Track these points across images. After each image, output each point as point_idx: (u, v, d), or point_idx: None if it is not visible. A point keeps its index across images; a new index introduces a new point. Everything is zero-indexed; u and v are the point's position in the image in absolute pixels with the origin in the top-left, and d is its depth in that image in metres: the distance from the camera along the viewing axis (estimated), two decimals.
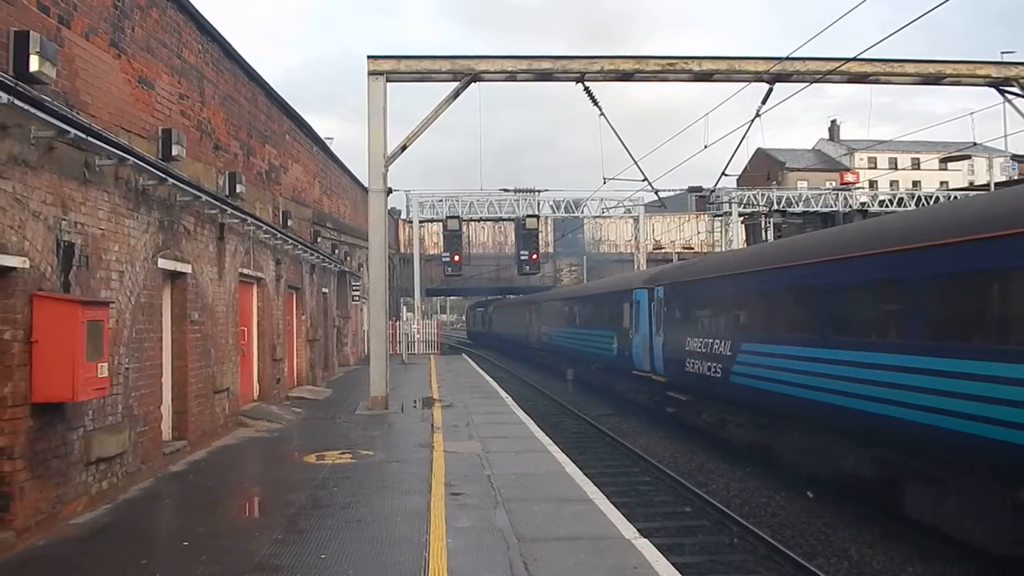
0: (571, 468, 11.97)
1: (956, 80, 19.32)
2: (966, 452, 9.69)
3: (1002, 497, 9.32)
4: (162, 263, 11.66)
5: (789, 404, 13.88)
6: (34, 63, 7.85)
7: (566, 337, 34.41)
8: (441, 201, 43.69)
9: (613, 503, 9.97)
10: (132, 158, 9.92)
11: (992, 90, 19.39)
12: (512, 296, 57.09)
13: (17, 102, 7.44)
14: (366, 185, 19.76)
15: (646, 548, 7.91)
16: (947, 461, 10.32)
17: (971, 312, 10.21)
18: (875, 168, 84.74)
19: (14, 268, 7.89)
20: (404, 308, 39.96)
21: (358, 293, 32.57)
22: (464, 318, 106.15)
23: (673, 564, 7.58)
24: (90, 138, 8.83)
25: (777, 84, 18.86)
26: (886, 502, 11.69)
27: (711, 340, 17.48)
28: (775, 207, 45.69)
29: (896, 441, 11.17)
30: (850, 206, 44.81)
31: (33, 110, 7.74)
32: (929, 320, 10.60)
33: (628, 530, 8.55)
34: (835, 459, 12.86)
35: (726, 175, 23.20)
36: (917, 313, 10.80)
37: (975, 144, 30.98)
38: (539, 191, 43.26)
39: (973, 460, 9.74)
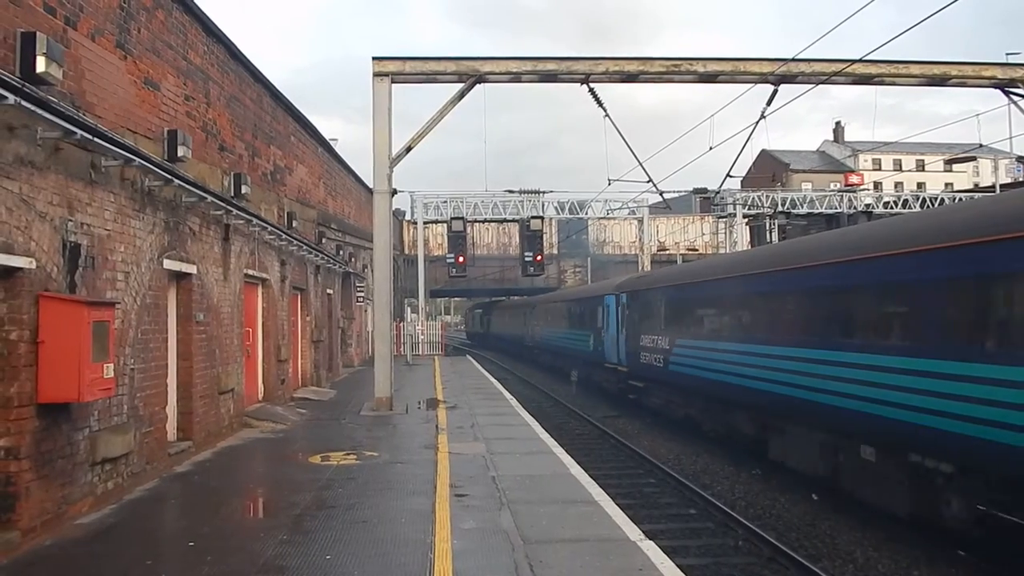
0: (576, 470, 11.97)
1: (962, 81, 19.31)
2: (798, 413, 14.10)
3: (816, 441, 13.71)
4: (167, 264, 11.67)
5: (705, 386, 18.28)
6: (40, 64, 7.86)
7: (558, 337, 37.11)
8: (446, 202, 43.64)
9: (618, 505, 9.97)
10: (138, 159, 9.92)
11: (998, 91, 19.39)
12: (516, 297, 57.55)
13: (24, 103, 7.44)
14: (371, 186, 19.77)
15: (651, 550, 7.90)
16: (789, 419, 14.65)
17: (780, 317, 15.08)
18: (879, 170, 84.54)
19: (20, 269, 7.90)
20: (408, 309, 39.96)
21: (362, 294, 32.60)
22: (463, 319, 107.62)
23: (678, 566, 7.57)
24: (96, 139, 8.84)
25: (782, 86, 18.83)
26: (758, 448, 15.84)
27: (656, 337, 21.69)
28: (779, 209, 45.62)
29: (762, 406, 15.40)
30: (855, 208, 44.70)
31: (39, 111, 7.74)
32: (769, 323, 15.40)
33: (633, 532, 8.55)
34: (733, 423, 17.07)
35: (731, 176, 23.22)
36: (762, 318, 15.73)
37: (981, 146, 30.88)
38: (543, 192, 43.27)
39: (801, 418, 14.10)
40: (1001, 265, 9.48)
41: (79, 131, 8.42)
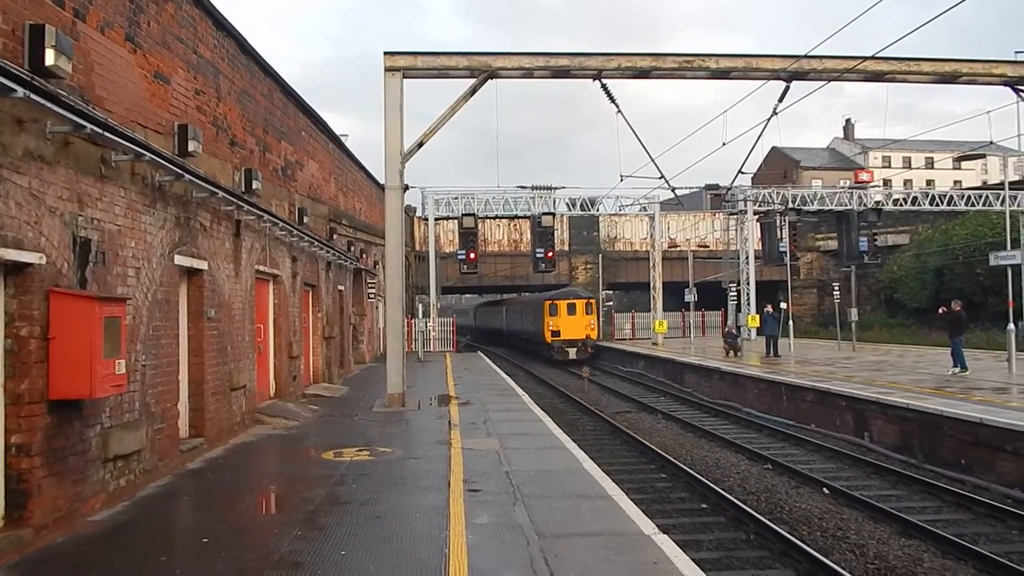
0: (589, 464, 11.88)
1: (972, 79, 19.18)
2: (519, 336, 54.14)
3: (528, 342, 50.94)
4: (179, 259, 11.63)
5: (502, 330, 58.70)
6: (50, 57, 7.81)
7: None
8: (457, 199, 43.48)
9: (631, 499, 9.90)
10: (148, 154, 9.87)
11: (1008, 89, 19.28)
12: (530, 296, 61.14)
13: (33, 96, 7.37)
14: (382, 182, 19.70)
15: (665, 544, 7.84)
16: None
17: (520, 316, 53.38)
18: (889, 167, 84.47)
19: (31, 264, 7.86)
20: (420, 306, 39.87)
21: (374, 291, 32.57)
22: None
23: (692, 559, 7.51)
24: (106, 133, 8.77)
25: (794, 82, 18.73)
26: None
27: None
28: (790, 205, 45.42)
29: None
30: (864, 205, 44.36)
31: (49, 104, 7.68)
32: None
33: (647, 526, 8.47)
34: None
35: (742, 173, 23.18)
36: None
37: (991, 143, 30.72)
38: (555, 188, 43.09)
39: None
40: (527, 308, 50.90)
41: (89, 125, 8.35)
